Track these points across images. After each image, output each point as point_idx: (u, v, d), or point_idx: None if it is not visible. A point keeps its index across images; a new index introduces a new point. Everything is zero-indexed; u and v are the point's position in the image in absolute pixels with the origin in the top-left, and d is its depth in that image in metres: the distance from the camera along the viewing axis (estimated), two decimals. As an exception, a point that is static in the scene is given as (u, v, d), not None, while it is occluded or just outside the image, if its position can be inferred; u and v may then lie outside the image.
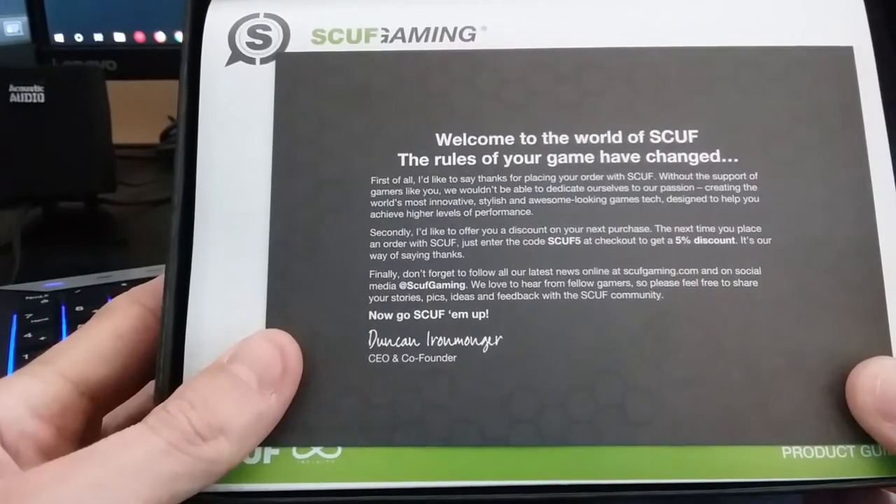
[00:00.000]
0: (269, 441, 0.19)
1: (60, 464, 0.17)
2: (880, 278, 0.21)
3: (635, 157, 0.21)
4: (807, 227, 0.21)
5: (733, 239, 0.21)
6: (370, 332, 0.20)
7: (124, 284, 0.47)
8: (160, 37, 0.65)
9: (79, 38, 0.65)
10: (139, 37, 0.65)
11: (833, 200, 0.21)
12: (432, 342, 0.20)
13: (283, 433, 0.20)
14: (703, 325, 0.20)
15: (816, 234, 0.21)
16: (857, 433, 0.20)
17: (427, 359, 0.20)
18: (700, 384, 0.20)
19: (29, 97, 0.54)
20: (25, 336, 0.42)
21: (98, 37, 0.65)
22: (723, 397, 0.20)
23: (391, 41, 0.22)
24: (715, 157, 0.21)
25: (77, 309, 0.44)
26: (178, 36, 0.65)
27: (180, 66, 0.22)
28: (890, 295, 0.21)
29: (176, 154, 0.21)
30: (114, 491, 0.16)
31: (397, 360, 0.20)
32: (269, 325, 0.21)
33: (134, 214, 0.63)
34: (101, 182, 0.57)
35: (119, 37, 0.65)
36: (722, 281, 0.21)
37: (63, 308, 0.44)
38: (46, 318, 0.43)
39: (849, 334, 0.20)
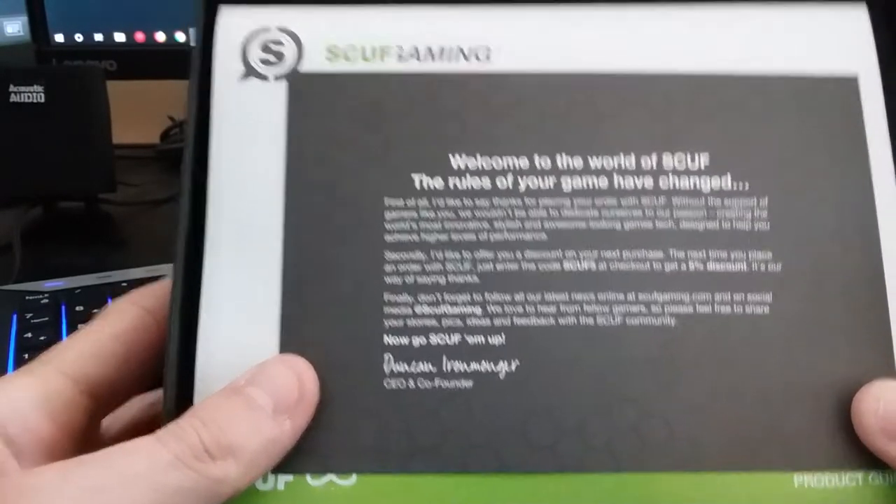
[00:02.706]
0: (283, 467, 0.19)
1: (63, 465, 0.17)
2: (885, 304, 0.21)
3: (649, 182, 0.21)
4: (816, 254, 0.21)
5: (745, 265, 0.21)
6: (386, 356, 0.20)
7: (124, 284, 0.47)
8: (160, 37, 0.65)
9: (79, 38, 0.65)
10: (139, 37, 0.65)
11: (841, 228, 0.21)
12: (449, 367, 0.20)
13: (296, 459, 0.19)
14: (716, 350, 0.20)
15: (825, 260, 0.21)
16: (866, 458, 0.20)
17: (443, 384, 0.20)
18: (714, 409, 0.20)
19: (29, 97, 0.54)
20: (25, 336, 0.42)
21: (98, 37, 0.65)
22: (736, 422, 0.20)
23: (406, 60, 0.22)
24: (726, 184, 0.21)
25: (77, 309, 0.44)
26: (179, 36, 0.65)
27: (189, 79, 0.22)
28: (895, 321, 0.21)
29: (182, 170, 0.21)
30: (114, 496, 0.16)
31: (413, 386, 0.20)
32: (283, 347, 0.20)
33: (134, 214, 0.63)
34: (101, 182, 0.57)
35: (119, 37, 0.65)
36: (734, 306, 0.21)
37: (63, 308, 0.44)
38: (46, 318, 0.43)
39: (857, 360, 0.20)
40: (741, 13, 0.23)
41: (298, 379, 0.19)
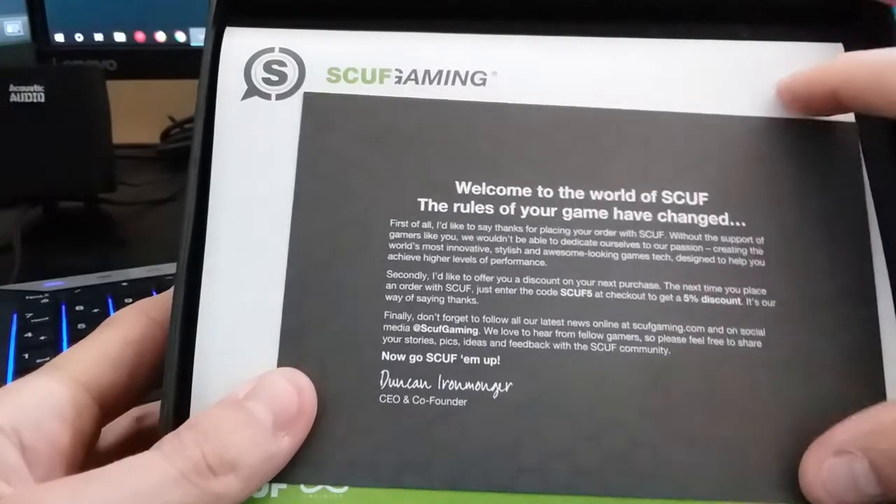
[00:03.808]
0: (277, 477, 0.19)
1: (73, 481, 0.17)
2: (878, 343, 0.21)
3: (647, 216, 0.22)
4: (810, 292, 0.21)
5: (739, 300, 0.21)
6: (382, 372, 0.20)
7: (124, 284, 0.47)
8: (160, 37, 0.65)
9: (79, 38, 0.65)
10: (139, 37, 0.65)
11: (835, 267, 0.22)
12: (443, 385, 0.20)
13: (291, 469, 0.19)
14: (708, 382, 0.21)
15: (819, 298, 0.21)
16: None
17: (438, 401, 0.20)
18: (703, 440, 0.20)
19: (29, 97, 0.54)
20: (25, 336, 0.42)
21: (98, 37, 0.65)
22: (725, 454, 0.20)
23: (404, 83, 0.23)
24: (723, 220, 0.22)
25: (77, 309, 0.44)
26: (179, 36, 0.65)
27: (197, 96, 0.22)
28: (887, 361, 0.21)
29: (187, 187, 0.21)
30: None
31: (408, 402, 0.20)
32: (282, 358, 0.20)
33: (134, 214, 0.63)
34: (101, 182, 0.58)
35: (119, 37, 0.65)
36: (727, 340, 0.21)
37: (63, 308, 0.45)
38: (46, 318, 0.43)
39: (849, 398, 0.21)
40: (736, 50, 0.23)
41: (298, 394, 0.19)
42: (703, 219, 0.22)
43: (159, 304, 0.22)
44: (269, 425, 0.19)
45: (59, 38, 0.64)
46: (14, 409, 0.19)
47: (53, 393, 0.19)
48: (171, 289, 0.21)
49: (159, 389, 0.20)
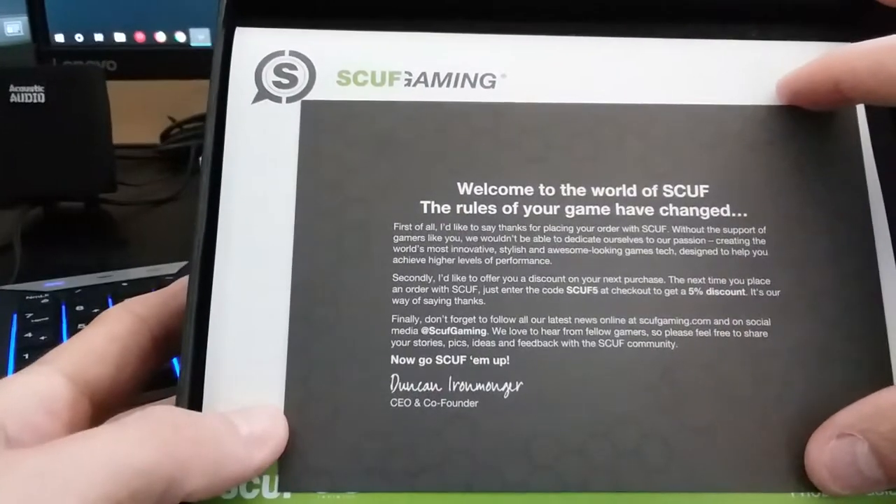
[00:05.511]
0: (290, 485, 0.19)
1: (47, 444, 0.17)
2: (884, 330, 0.21)
3: (649, 211, 0.22)
4: (813, 280, 0.21)
5: (743, 291, 0.21)
6: (392, 376, 0.21)
7: (124, 284, 0.47)
8: (160, 37, 0.65)
9: (79, 38, 0.65)
10: (139, 37, 0.65)
11: (838, 254, 0.22)
12: (454, 387, 0.20)
13: (304, 477, 0.20)
14: (716, 374, 0.21)
15: (822, 286, 0.21)
16: None
17: (449, 403, 0.20)
18: (713, 432, 0.20)
19: (29, 97, 0.54)
20: (25, 336, 0.42)
21: (98, 37, 0.65)
22: (736, 445, 0.20)
23: (414, 85, 0.23)
24: (725, 212, 0.22)
25: (77, 309, 0.44)
26: (179, 36, 0.65)
27: (208, 100, 0.22)
28: (893, 346, 0.21)
29: (200, 191, 0.21)
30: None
31: (419, 405, 0.20)
32: (290, 365, 0.21)
33: (134, 214, 0.63)
34: (101, 182, 0.58)
35: (119, 37, 0.65)
36: (733, 331, 0.21)
37: (63, 308, 0.45)
38: (46, 318, 0.43)
39: (855, 385, 0.21)
40: (741, 47, 0.23)
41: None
42: (704, 211, 0.22)
43: (144, 302, 0.22)
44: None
45: (59, 38, 0.64)
46: None
47: (41, 387, 0.20)
48: (158, 290, 0.22)
49: (169, 388, 0.20)
